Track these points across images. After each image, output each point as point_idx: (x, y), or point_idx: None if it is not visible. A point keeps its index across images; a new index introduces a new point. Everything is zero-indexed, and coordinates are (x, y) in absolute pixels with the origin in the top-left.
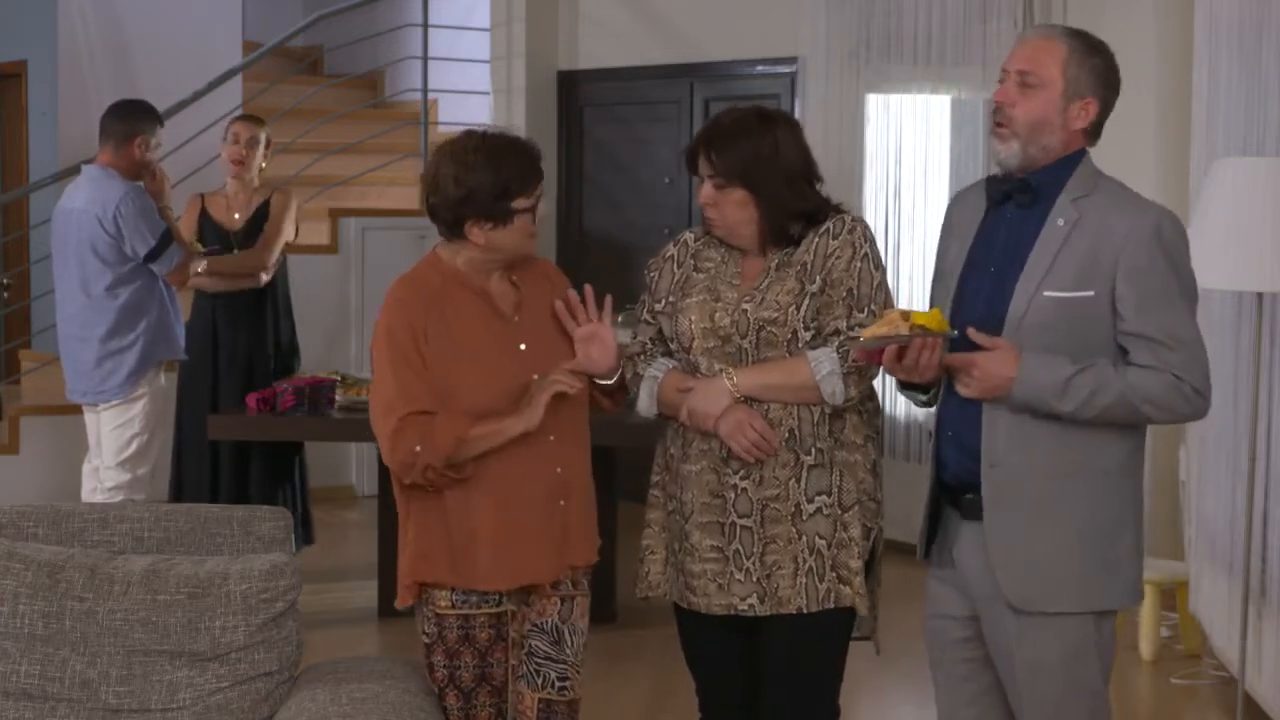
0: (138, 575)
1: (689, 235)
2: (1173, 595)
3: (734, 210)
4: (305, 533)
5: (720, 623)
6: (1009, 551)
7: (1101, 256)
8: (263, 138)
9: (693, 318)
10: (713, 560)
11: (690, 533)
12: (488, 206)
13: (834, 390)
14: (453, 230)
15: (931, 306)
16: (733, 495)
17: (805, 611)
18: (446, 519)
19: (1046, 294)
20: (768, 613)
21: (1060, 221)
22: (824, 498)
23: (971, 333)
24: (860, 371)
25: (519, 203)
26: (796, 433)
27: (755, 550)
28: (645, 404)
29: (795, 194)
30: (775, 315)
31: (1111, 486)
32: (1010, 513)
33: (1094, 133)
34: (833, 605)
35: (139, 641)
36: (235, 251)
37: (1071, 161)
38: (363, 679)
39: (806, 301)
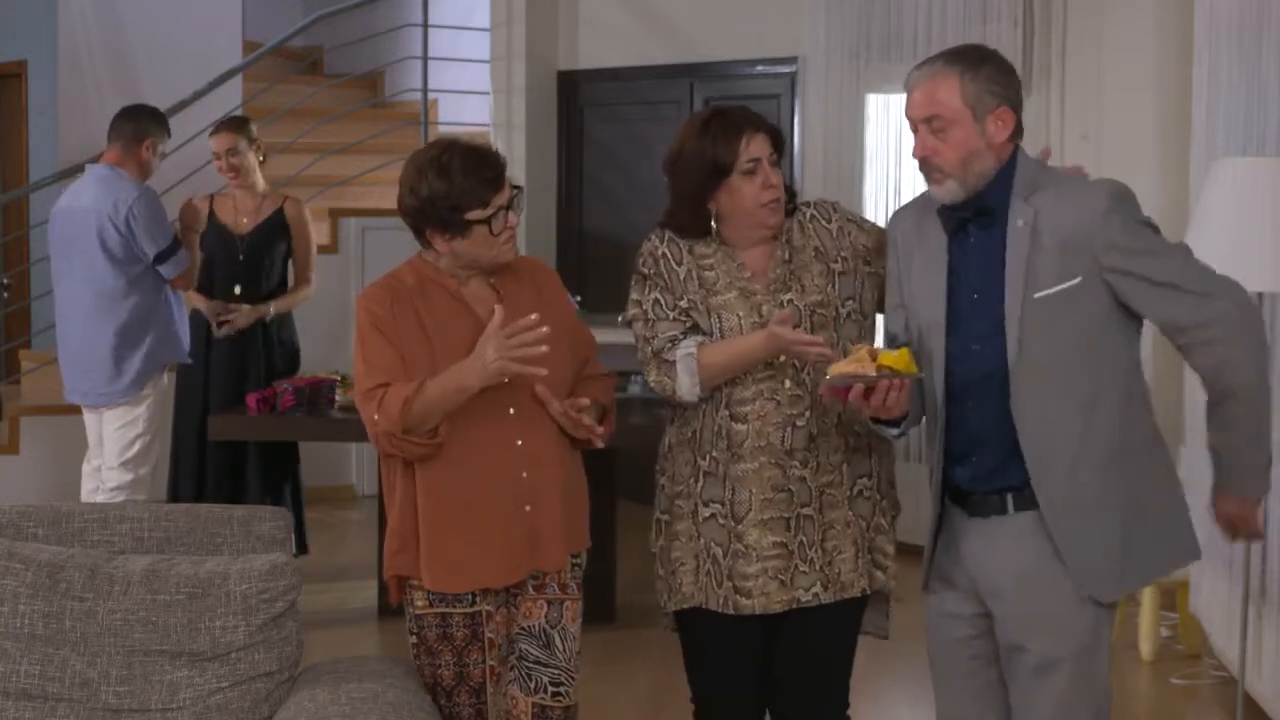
0: (138, 575)
1: (664, 232)
2: (1173, 595)
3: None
4: (299, 541)
5: (748, 623)
6: (1077, 545)
7: (1072, 242)
8: (243, 142)
9: (740, 313)
10: (775, 557)
11: (746, 533)
12: (442, 217)
13: None
14: (417, 236)
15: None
16: (798, 487)
17: (865, 593)
18: (418, 517)
19: (1036, 296)
20: (831, 599)
21: (1020, 222)
22: (865, 480)
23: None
24: None
25: (474, 214)
26: (842, 416)
27: (816, 538)
28: (687, 385)
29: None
30: (820, 297)
31: (1153, 459)
32: (1071, 507)
33: (1018, 132)
34: (868, 589)
35: (139, 641)
36: (241, 258)
37: (1009, 168)
38: (362, 679)
39: (836, 280)
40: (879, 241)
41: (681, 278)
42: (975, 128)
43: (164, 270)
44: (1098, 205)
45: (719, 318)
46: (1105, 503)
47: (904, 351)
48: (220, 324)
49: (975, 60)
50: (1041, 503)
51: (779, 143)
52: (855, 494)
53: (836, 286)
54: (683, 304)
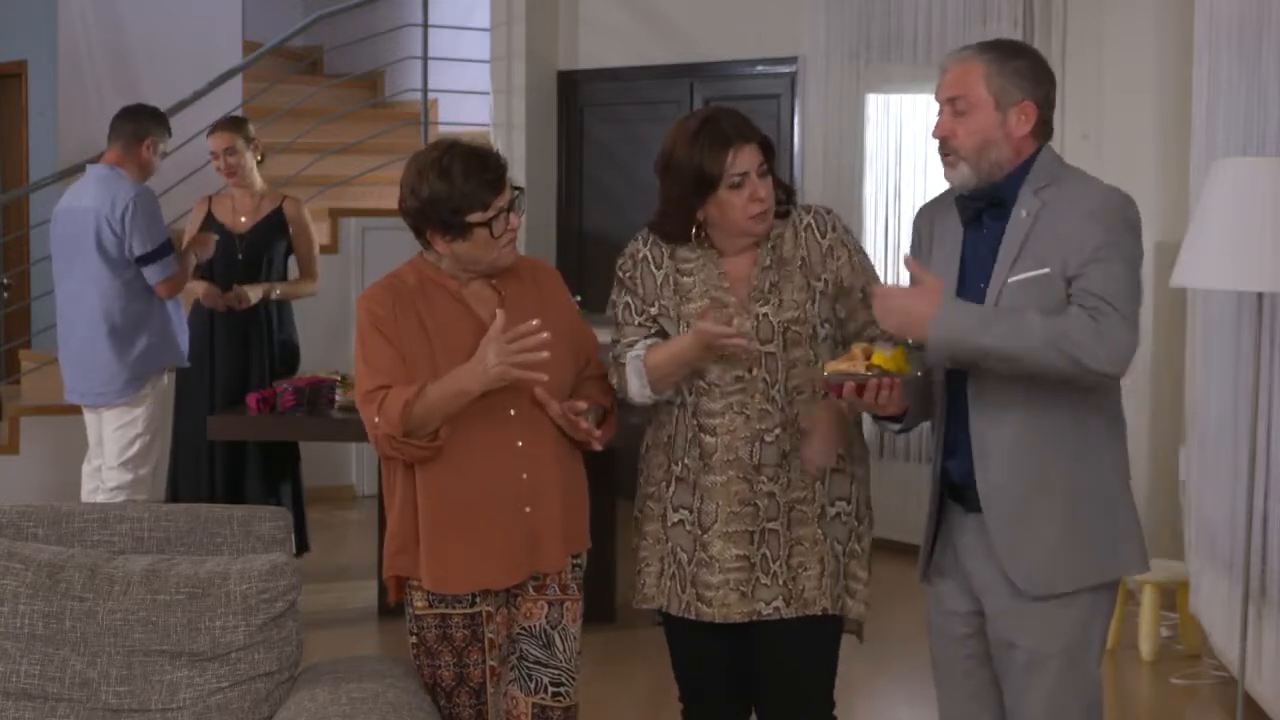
0: (138, 575)
1: (649, 235)
2: (1173, 595)
3: (769, 199)
4: (300, 540)
5: (712, 629)
6: (1011, 538)
7: (1057, 234)
8: (240, 141)
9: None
10: (736, 569)
11: (710, 543)
12: (443, 219)
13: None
14: (418, 237)
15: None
16: (765, 502)
17: (829, 613)
18: (418, 518)
19: (1010, 281)
20: (793, 615)
21: (1024, 213)
22: (843, 504)
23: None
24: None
25: (474, 216)
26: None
27: (781, 554)
28: (636, 387)
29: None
30: (796, 314)
31: (1099, 457)
32: (1007, 500)
33: (1043, 131)
34: (838, 611)
35: (139, 641)
36: (239, 256)
37: (1028, 164)
38: (362, 679)
39: (817, 299)
40: (855, 281)
41: (658, 283)
42: (996, 117)
43: (148, 273)
44: (1091, 207)
45: (688, 325)
46: (1043, 499)
47: (899, 350)
48: (226, 306)
49: (1008, 52)
50: (980, 490)
51: (770, 151)
52: (831, 516)
53: (816, 304)
54: (652, 310)
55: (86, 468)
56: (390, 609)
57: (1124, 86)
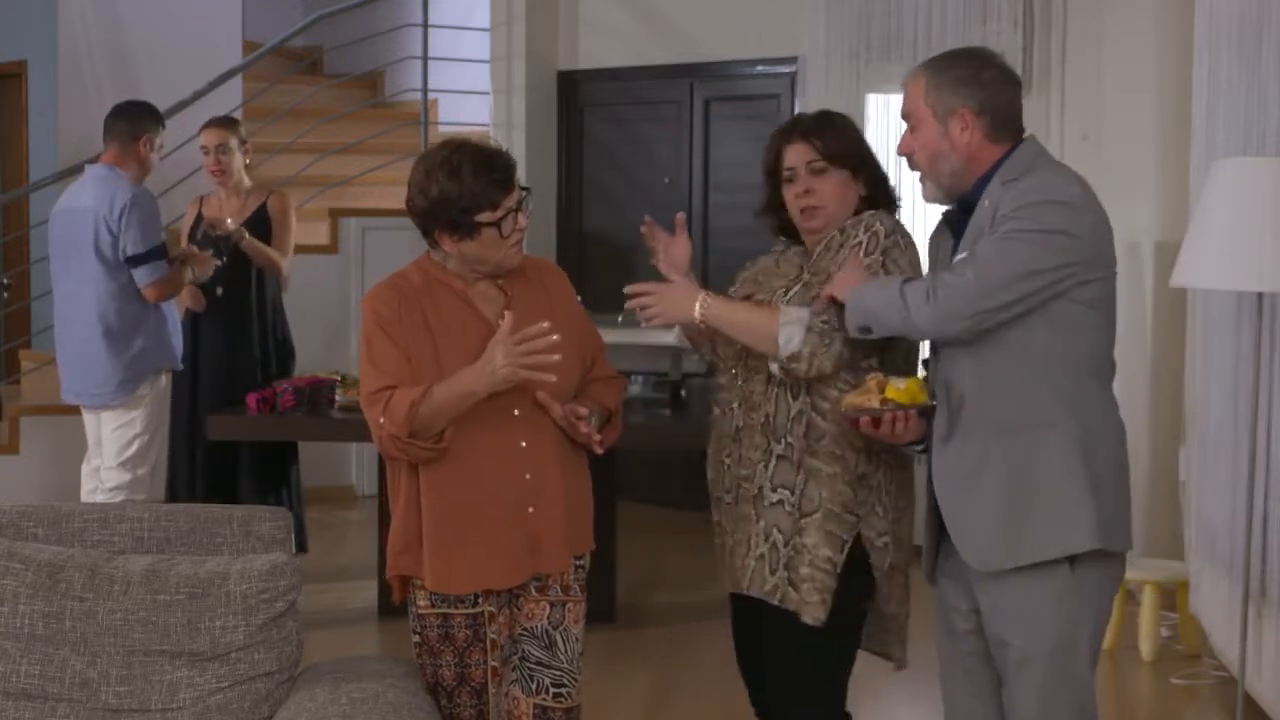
0: (138, 575)
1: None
2: (1173, 595)
3: (836, 191)
4: (298, 540)
5: (741, 604)
6: (956, 515)
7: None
8: (233, 140)
9: None
10: (712, 534)
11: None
12: (451, 218)
13: (790, 337)
14: (426, 237)
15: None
16: (718, 473)
17: (749, 594)
18: (421, 517)
19: (951, 263)
20: (730, 589)
21: (986, 202)
22: (785, 492)
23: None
24: (823, 337)
25: (483, 216)
26: (772, 419)
27: (728, 526)
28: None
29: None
30: (766, 299)
31: (1048, 437)
32: (950, 480)
33: (998, 133)
34: (777, 602)
35: (139, 641)
36: (224, 259)
37: (998, 166)
38: (363, 679)
39: (797, 288)
40: (832, 267)
41: (750, 271)
42: (938, 129)
43: (137, 275)
44: (1027, 188)
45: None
46: (985, 473)
47: (912, 382)
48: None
49: (944, 63)
50: (933, 464)
51: (828, 148)
52: (772, 501)
53: (790, 293)
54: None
55: (85, 468)
56: (390, 609)
57: (1124, 86)
